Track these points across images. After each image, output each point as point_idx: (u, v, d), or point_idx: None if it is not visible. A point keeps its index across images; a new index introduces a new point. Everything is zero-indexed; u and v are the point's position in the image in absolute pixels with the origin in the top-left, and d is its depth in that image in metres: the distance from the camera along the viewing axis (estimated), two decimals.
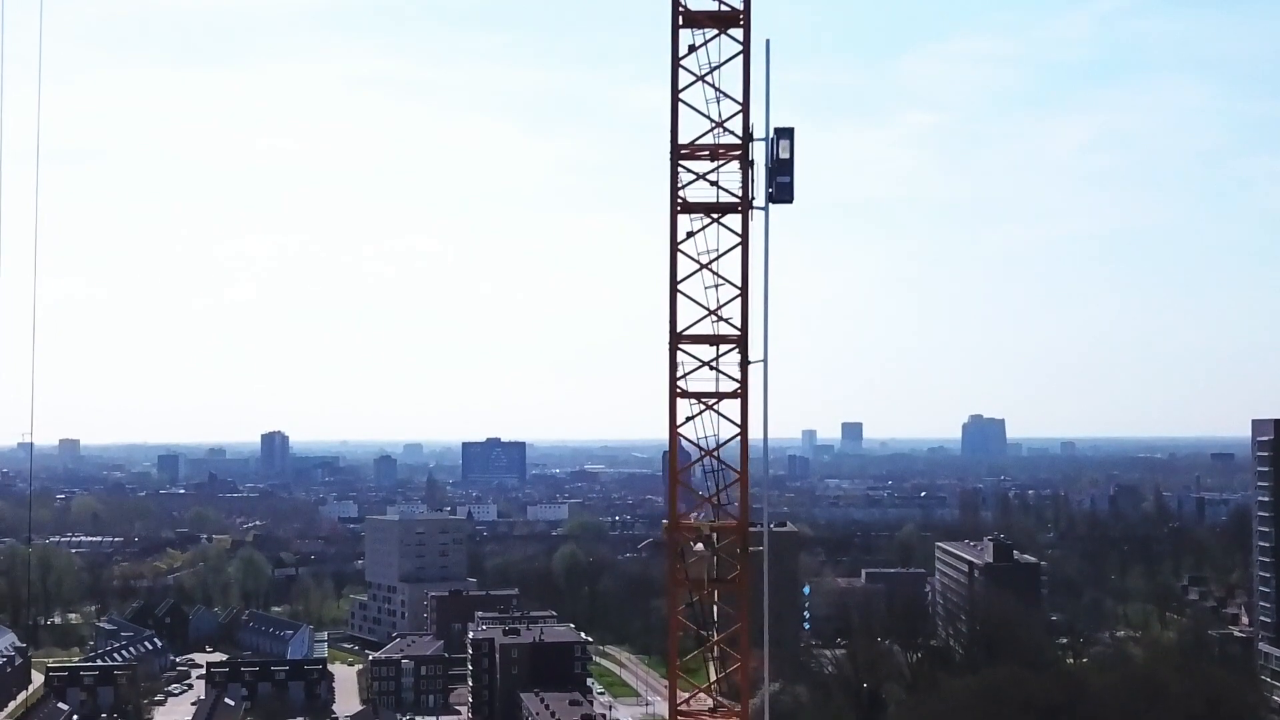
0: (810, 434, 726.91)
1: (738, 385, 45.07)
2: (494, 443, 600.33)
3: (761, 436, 44.69)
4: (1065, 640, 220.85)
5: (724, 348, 45.00)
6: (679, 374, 45.02)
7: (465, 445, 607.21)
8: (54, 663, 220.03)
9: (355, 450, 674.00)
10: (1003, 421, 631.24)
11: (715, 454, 45.40)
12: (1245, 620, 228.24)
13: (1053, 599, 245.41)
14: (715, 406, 45.25)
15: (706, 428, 45.49)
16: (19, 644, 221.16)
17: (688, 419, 45.45)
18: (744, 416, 45.06)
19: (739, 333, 44.66)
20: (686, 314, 45.04)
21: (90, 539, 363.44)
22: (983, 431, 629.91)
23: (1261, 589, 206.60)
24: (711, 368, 45.32)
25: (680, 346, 45.22)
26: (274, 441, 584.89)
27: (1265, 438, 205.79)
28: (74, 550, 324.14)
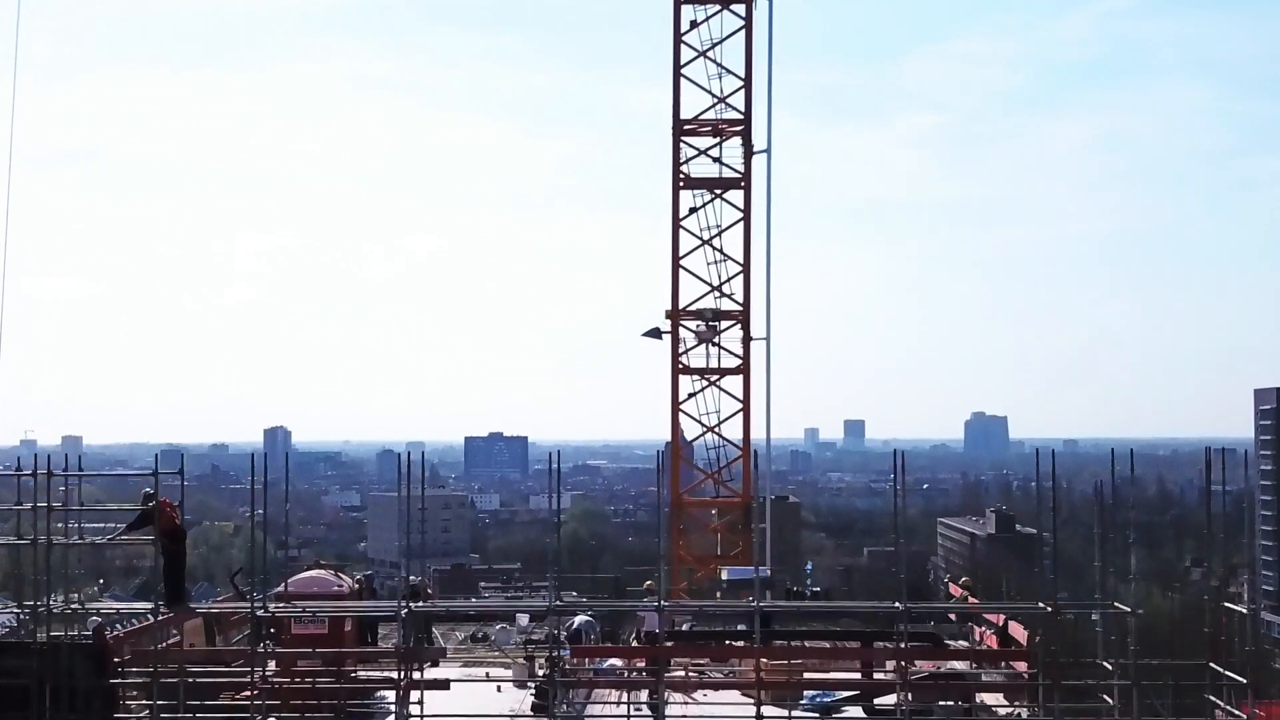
0: (813, 432, 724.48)
1: (740, 175, 45.43)
2: (496, 437, 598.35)
3: (764, 226, 45.05)
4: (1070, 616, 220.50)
5: (727, 134, 45.38)
6: (681, 161, 45.40)
7: (468, 440, 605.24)
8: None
9: (358, 449, 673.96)
10: (1005, 419, 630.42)
11: (717, 246, 45.77)
12: (1247, 599, 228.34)
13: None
14: (722, 195, 45.66)
15: (710, 219, 45.94)
16: (23, 616, 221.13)
17: (691, 210, 45.83)
18: (747, 205, 45.50)
19: (742, 117, 45.03)
20: (690, 105, 45.49)
21: (92, 526, 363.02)
22: (985, 429, 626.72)
23: (1264, 557, 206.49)
24: (714, 159, 45.72)
25: (683, 138, 45.60)
26: (276, 437, 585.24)
27: (1267, 406, 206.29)
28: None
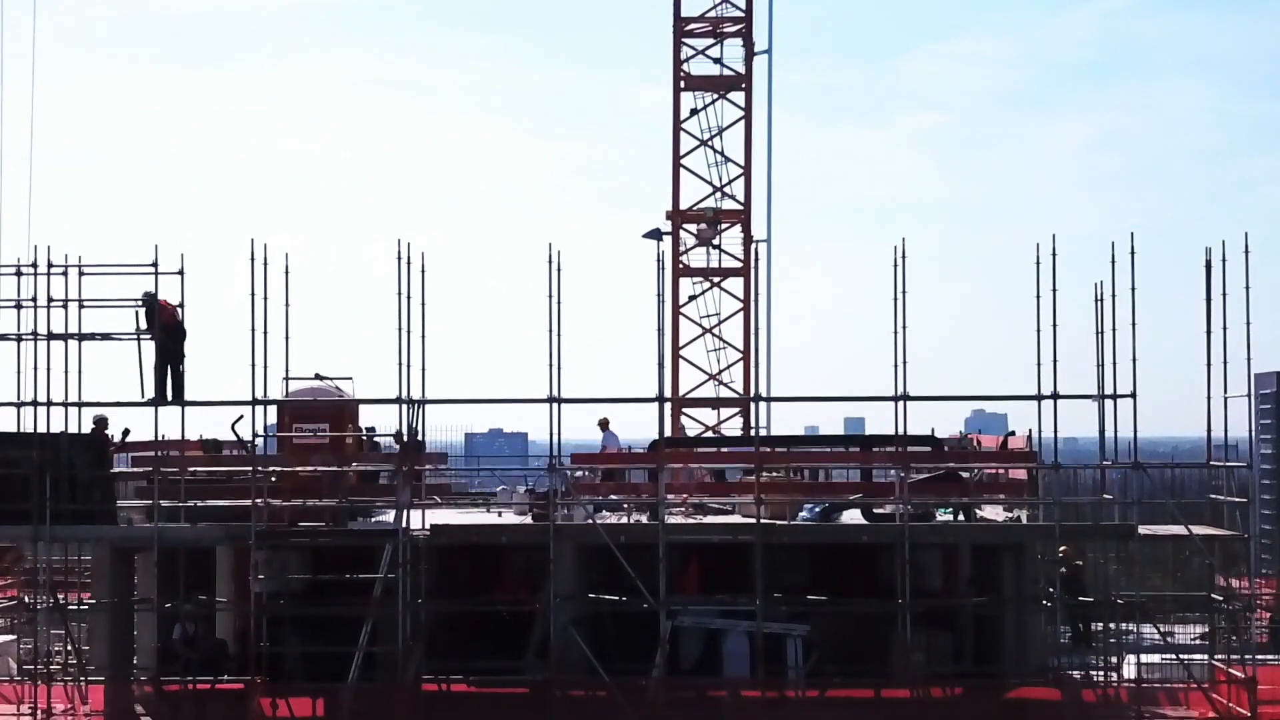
0: (813, 430, 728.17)
1: (741, 75, 45.48)
2: (496, 433, 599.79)
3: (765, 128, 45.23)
4: None
5: (727, 34, 45.50)
6: (683, 58, 45.51)
7: (468, 435, 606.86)
8: None
9: None
10: (1005, 417, 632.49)
11: (717, 146, 45.88)
12: (1247, 587, 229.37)
13: None
14: (725, 96, 45.71)
15: (710, 121, 46.02)
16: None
17: (692, 112, 45.89)
18: (748, 106, 45.57)
19: (743, 15, 45.10)
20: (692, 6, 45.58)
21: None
22: (985, 427, 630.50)
23: (1264, 541, 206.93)
24: (715, 60, 45.80)
25: (683, 39, 45.67)
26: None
27: (1267, 390, 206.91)
28: None
